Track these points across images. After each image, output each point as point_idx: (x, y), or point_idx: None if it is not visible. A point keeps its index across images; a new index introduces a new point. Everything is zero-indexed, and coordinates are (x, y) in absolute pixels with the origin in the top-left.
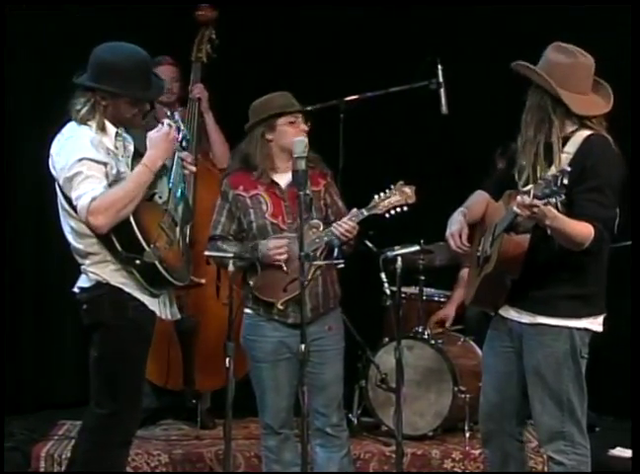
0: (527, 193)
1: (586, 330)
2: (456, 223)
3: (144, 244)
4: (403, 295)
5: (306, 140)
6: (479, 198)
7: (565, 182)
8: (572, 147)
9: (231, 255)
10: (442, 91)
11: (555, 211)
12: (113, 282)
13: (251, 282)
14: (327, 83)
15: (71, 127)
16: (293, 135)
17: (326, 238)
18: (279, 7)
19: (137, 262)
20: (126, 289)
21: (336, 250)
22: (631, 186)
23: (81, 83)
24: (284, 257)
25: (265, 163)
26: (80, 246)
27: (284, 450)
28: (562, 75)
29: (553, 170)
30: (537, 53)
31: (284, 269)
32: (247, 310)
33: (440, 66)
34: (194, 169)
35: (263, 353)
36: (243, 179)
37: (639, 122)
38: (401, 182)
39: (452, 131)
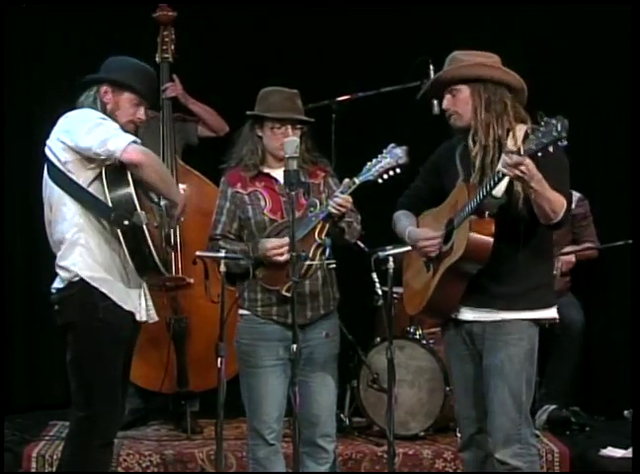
0: (514, 151)
1: (553, 319)
2: (416, 234)
3: (137, 204)
4: (395, 295)
5: (297, 140)
6: (412, 218)
7: (567, 125)
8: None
9: (223, 255)
10: None
11: (539, 173)
12: (83, 275)
13: (257, 273)
14: (319, 83)
15: (78, 110)
16: (275, 141)
17: (322, 214)
18: (275, 7)
19: (126, 222)
20: (100, 288)
21: (328, 250)
22: (631, 185)
23: (87, 78)
24: (285, 257)
25: (253, 158)
26: (62, 227)
27: (274, 463)
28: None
29: (512, 144)
30: (531, 53)
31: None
32: (243, 311)
33: (431, 66)
34: None
35: (258, 358)
36: (240, 176)
37: (639, 122)
38: (392, 144)
39: (444, 132)
